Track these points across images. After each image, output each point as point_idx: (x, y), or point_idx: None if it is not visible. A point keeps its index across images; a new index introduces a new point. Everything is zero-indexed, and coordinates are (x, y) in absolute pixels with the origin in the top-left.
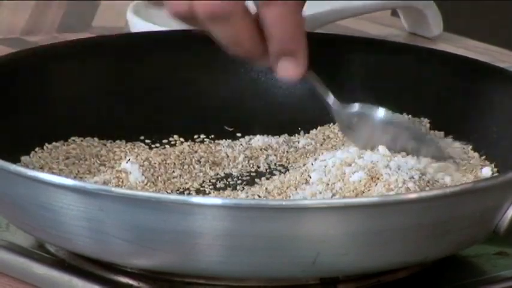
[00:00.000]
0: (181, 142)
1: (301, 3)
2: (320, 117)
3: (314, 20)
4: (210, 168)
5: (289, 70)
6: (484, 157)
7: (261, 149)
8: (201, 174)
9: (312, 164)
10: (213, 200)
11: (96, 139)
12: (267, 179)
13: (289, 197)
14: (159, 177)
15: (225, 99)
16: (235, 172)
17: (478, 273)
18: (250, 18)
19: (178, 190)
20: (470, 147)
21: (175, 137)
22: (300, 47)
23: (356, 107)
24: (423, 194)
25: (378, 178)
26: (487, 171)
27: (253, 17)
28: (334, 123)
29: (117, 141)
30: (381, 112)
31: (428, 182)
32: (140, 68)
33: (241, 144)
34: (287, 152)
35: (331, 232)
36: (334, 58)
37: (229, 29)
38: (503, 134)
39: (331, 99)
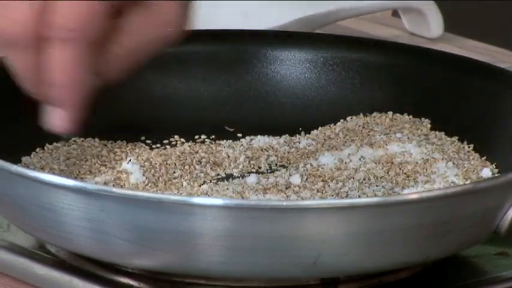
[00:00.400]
0: (182, 143)
1: (91, 49)
2: (321, 117)
3: (314, 20)
4: (211, 168)
5: (55, 121)
6: (484, 157)
7: (262, 150)
8: (202, 174)
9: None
10: (214, 200)
11: (97, 140)
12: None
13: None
14: (160, 178)
15: (226, 100)
16: (236, 173)
17: (479, 274)
18: (36, 53)
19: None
20: (471, 147)
21: (176, 137)
22: (69, 101)
23: None
24: (424, 194)
25: None
26: (487, 172)
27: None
28: (335, 124)
29: (118, 142)
30: None
31: None
32: (141, 68)
33: (242, 145)
34: (288, 152)
35: (332, 232)
36: (334, 58)
37: (13, 56)
38: (504, 134)
39: None
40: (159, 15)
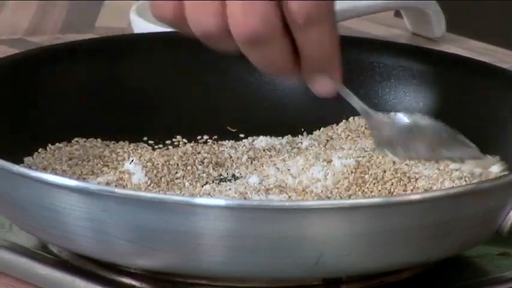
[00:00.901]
0: (184, 143)
1: (334, 18)
2: (323, 118)
3: None
4: (213, 169)
5: (324, 86)
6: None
7: (264, 150)
8: (204, 175)
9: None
10: (216, 200)
11: (99, 140)
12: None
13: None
14: (162, 178)
15: (228, 100)
16: (238, 173)
17: (481, 274)
18: (286, 40)
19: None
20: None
21: (178, 137)
22: (335, 64)
23: (397, 117)
24: (426, 194)
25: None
26: (496, 168)
27: (288, 38)
28: (337, 124)
29: (120, 142)
30: (419, 119)
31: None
32: (143, 69)
33: (244, 145)
34: (290, 153)
35: (334, 233)
36: None
37: (265, 52)
38: (505, 134)
39: (369, 113)
40: None
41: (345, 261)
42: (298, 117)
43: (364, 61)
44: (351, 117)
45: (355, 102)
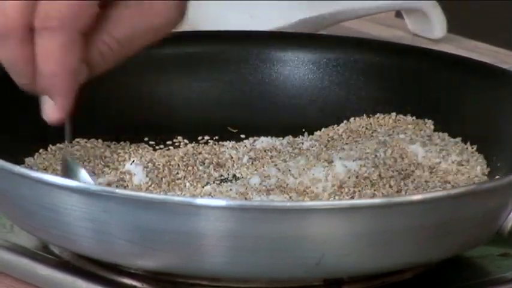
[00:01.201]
0: (185, 144)
1: (79, 38)
2: (324, 118)
3: (318, 21)
4: (214, 169)
5: (49, 111)
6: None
7: (265, 151)
8: (205, 175)
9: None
10: (217, 201)
11: (100, 140)
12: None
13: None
14: (163, 179)
15: (229, 101)
16: (239, 174)
17: (482, 274)
18: (29, 46)
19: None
20: (475, 147)
21: (179, 138)
22: (67, 89)
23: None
24: (427, 195)
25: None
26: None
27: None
28: (338, 125)
29: (121, 143)
30: None
31: None
32: (143, 69)
33: (245, 146)
34: (291, 153)
35: (335, 233)
36: (338, 60)
37: (5, 51)
38: (506, 134)
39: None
40: (150, 8)
41: (346, 261)
42: (299, 117)
43: (365, 61)
44: (352, 118)
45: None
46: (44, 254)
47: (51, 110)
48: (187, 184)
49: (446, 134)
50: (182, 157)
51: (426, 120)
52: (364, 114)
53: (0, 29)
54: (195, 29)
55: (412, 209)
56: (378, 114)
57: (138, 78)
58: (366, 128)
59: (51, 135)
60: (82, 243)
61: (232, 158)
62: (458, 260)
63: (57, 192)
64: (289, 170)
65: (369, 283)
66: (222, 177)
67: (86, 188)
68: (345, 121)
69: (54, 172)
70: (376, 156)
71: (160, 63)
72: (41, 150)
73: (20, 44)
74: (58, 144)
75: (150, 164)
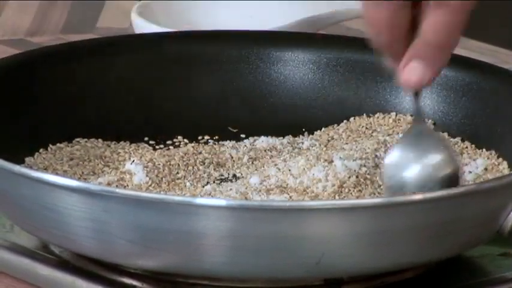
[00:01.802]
0: (186, 143)
1: (467, 12)
2: (324, 118)
3: (318, 21)
4: (214, 169)
5: (414, 75)
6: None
7: (265, 150)
8: (205, 175)
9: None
10: (217, 201)
11: (100, 140)
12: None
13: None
14: (163, 179)
15: (230, 100)
16: (239, 173)
17: (482, 274)
18: (408, 10)
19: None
20: (473, 146)
21: (179, 138)
22: (443, 57)
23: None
24: (427, 195)
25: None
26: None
27: (411, 12)
28: (338, 124)
29: (121, 143)
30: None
31: None
32: (144, 69)
33: (245, 146)
34: (291, 153)
35: (335, 233)
36: (338, 59)
37: (386, 13)
38: (507, 135)
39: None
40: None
41: (346, 261)
42: (299, 117)
43: (365, 61)
44: (352, 118)
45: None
46: (44, 254)
47: (416, 76)
48: (188, 184)
49: (445, 134)
50: (182, 157)
51: (426, 120)
52: (364, 114)
53: None
54: (195, 29)
55: (413, 208)
56: (378, 114)
57: (139, 78)
58: (366, 128)
59: (51, 134)
60: (82, 243)
61: (232, 157)
62: (458, 260)
63: (57, 192)
64: (289, 170)
65: (369, 283)
66: (222, 177)
67: (86, 187)
68: (345, 121)
69: (54, 172)
70: (376, 156)
71: (161, 63)
72: (41, 150)
73: (403, 7)
74: (58, 144)
75: (150, 164)
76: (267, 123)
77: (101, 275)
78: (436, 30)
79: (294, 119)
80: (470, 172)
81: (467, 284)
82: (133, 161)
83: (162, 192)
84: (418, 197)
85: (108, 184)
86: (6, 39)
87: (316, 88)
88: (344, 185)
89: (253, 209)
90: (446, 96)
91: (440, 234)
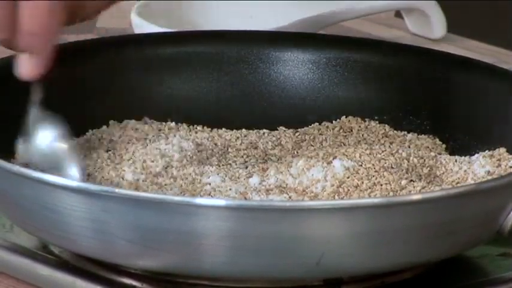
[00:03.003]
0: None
1: (61, 3)
2: (324, 118)
3: (317, 21)
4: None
5: (24, 67)
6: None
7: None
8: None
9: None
10: (216, 201)
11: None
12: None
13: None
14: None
15: (229, 100)
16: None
17: (482, 274)
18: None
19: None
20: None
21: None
22: (42, 47)
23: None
24: (427, 195)
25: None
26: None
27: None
28: (338, 125)
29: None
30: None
31: None
32: (144, 69)
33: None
34: (291, 153)
35: (335, 233)
36: (337, 59)
37: None
38: (507, 134)
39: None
40: None
41: (346, 261)
42: (299, 117)
43: (364, 61)
44: (351, 117)
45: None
46: (44, 254)
47: (27, 67)
48: (187, 183)
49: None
50: (181, 156)
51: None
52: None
53: None
54: (195, 29)
55: (412, 208)
56: (377, 117)
57: (138, 78)
58: (366, 128)
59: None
60: (82, 243)
61: (232, 157)
62: (458, 260)
63: (57, 192)
64: (289, 170)
65: (369, 283)
66: (222, 177)
67: (86, 187)
68: (344, 121)
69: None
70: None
71: (161, 63)
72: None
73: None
74: None
75: (147, 162)
76: (267, 123)
77: (100, 275)
78: (26, 20)
79: (293, 119)
80: (483, 167)
81: (467, 284)
82: (131, 158)
83: (162, 188)
84: (418, 196)
85: (107, 180)
86: None
87: (315, 88)
88: (343, 185)
89: (252, 209)
90: (446, 96)
91: (440, 234)
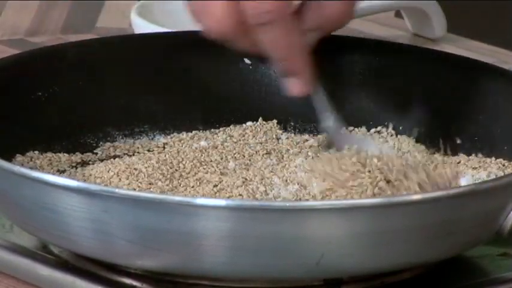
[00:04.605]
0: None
1: (296, 22)
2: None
3: None
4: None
5: (293, 88)
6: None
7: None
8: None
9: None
10: (216, 201)
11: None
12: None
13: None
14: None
15: (228, 100)
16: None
17: (482, 274)
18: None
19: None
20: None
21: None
22: (300, 67)
23: (353, 138)
24: (427, 195)
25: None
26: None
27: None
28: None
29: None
30: (372, 148)
31: None
32: (144, 69)
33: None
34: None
35: (335, 233)
36: (337, 59)
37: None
38: (506, 135)
39: (332, 122)
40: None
41: (346, 261)
42: (299, 118)
43: (365, 61)
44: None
45: (325, 108)
46: (44, 254)
47: (295, 88)
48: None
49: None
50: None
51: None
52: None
53: (217, 33)
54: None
55: (412, 208)
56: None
57: (138, 79)
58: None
59: (51, 134)
60: (82, 243)
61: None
62: (457, 260)
63: (57, 192)
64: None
65: (369, 283)
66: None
67: (86, 187)
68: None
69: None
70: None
71: (160, 63)
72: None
73: (241, 40)
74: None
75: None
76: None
77: (100, 275)
78: (271, 49)
79: (293, 120)
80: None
81: (466, 285)
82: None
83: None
84: (417, 197)
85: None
86: (6, 39)
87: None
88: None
89: (253, 209)
90: (446, 96)
91: (440, 234)
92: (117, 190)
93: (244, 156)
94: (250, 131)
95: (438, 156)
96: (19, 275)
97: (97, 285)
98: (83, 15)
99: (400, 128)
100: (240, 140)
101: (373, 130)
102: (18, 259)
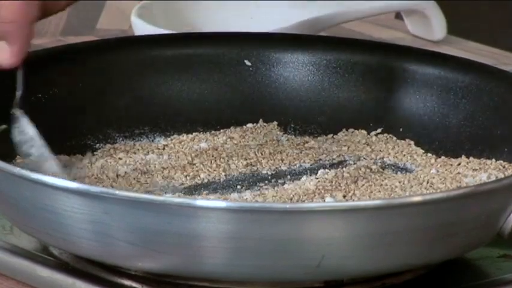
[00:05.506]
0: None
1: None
2: (324, 119)
3: (318, 23)
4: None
5: (1, 55)
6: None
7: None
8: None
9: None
10: (217, 203)
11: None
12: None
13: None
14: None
15: (229, 102)
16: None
17: (482, 276)
18: None
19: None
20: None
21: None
22: (17, 36)
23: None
24: (427, 196)
25: None
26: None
27: None
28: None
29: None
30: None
31: None
32: (144, 70)
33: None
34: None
35: (335, 235)
36: (338, 61)
37: None
38: (506, 136)
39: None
40: None
41: (347, 263)
42: (299, 118)
43: (365, 63)
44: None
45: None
46: (44, 256)
47: (6, 55)
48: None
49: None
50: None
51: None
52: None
53: None
54: (195, 31)
55: (413, 210)
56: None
57: (138, 80)
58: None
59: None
60: (82, 244)
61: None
62: (458, 262)
63: (57, 193)
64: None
65: (369, 285)
66: (222, 177)
67: (86, 189)
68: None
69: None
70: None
71: (160, 64)
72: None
73: None
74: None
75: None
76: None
77: (100, 276)
78: (5, 8)
79: (293, 121)
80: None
81: (467, 286)
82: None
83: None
84: (418, 198)
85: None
86: None
87: (316, 90)
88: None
89: (253, 211)
90: (446, 97)
91: (440, 236)
92: (117, 192)
93: (244, 158)
94: (251, 133)
95: (438, 159)
96: (19, 276)
97: (97, 287)
98: (83, 17)
99: (400, 129)
100: (240, 141)
101: (373, 133)
102: (18, 261)
